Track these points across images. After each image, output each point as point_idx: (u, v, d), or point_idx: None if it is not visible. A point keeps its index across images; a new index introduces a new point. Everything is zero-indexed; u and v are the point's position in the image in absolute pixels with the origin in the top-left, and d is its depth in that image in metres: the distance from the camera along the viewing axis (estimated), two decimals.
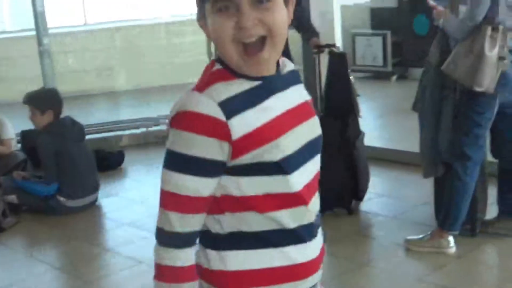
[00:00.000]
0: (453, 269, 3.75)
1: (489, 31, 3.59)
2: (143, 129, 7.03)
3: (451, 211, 3.86)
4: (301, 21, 4.87)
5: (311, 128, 1.53)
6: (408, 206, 4.61)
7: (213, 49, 6.32)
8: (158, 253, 1.45)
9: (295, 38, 5.18)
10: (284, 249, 1.47)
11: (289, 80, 1.52)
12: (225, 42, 1.37)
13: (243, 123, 1.37)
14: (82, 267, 4.19)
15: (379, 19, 9.63)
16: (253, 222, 1.44)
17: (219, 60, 1.44)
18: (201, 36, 7.75)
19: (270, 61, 1.43)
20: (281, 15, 1.39)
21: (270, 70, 1.46)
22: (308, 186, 1.49)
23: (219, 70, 1.42)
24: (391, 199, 4.88)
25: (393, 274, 3.73)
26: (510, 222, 4.03)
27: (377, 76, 9.46)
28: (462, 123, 3.81)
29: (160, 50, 10.28)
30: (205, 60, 7.16)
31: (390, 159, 5.51)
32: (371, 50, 9.43)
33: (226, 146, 1.37)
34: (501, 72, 3.63)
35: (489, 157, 4.10)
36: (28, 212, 5.08)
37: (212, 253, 1.46)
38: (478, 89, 3.63)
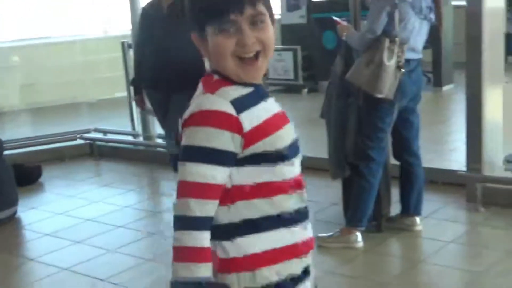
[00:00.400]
0: (361, 262, 4.01)
1: (387, 43, 3.86)
2: (60, 144, 7.09)
3: (358, 209, 4.12)
4: None
5: (292, 131, 1.75)
6: (319, 207, 4.83)
7: (130, 65, 6.43)
8: (178, 238, 1.58)
9: None
10: (291, 229, 1.68)
11: (266, 92, 1.77)
12: (226, 57, 1.61)
13: (251, 118, 1.60)
14: (5, 277, 4.23)
15: (289, 35, 9.95)
16: (262, 207, 1.64)
17: (214, 71, 1.67)
18: (117, 53, 7.77)
19: (262, 68, 1.68)
20: (271, 33, 1.66)
21: (259, 79, 1.71)
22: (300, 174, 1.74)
23: (220, 79, 1.66)
24: None
25: None
26: (411, 218, 4.33)
27: (289, 89, 9.74)
28: (366, 128, 4.07)
29: (76, 67, 10.30)
30: (121, 76, 7.26)
31: (302, 165, 5.76)
32: (283, 64, 9.76)
33: (237, 138, 1.58)
34: (399, 80, 3.95)
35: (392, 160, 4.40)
36: None
37: (227, 243, 1.63)
38: (379, 95, 3.91)
